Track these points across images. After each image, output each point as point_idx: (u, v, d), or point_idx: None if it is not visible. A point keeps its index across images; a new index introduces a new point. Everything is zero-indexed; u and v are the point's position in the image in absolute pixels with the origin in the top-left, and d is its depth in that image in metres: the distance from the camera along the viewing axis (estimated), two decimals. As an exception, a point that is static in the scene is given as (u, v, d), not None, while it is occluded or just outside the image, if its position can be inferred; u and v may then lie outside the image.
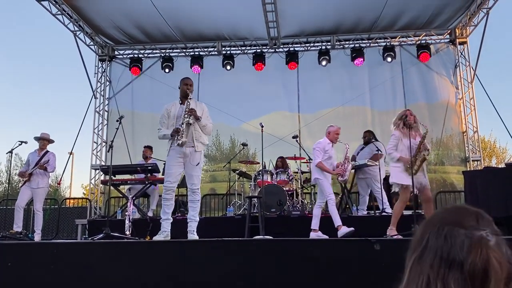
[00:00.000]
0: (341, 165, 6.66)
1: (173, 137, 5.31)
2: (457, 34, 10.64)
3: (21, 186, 7.61)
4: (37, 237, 7.45)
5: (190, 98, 5.48)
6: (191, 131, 5.40)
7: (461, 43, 10.70)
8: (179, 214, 8.25)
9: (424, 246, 0.93)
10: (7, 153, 7.80)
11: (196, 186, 5.44)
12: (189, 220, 5.42)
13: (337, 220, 6.20)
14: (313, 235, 6.26)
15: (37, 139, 7.76)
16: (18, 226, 7.28)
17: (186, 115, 5.34)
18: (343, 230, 6.08)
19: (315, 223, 6.38)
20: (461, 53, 10.70)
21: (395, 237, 5.35)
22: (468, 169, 9.93)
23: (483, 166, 10.16)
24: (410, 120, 5.65)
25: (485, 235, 0.88)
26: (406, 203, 5.75)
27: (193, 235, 5.33)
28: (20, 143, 7.59)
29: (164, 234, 5.33)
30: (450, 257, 0.88)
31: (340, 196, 8.73)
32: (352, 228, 6.05)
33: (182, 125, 5.31)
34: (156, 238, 5.32)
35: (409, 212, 6.61)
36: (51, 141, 7.87)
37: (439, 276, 0.87)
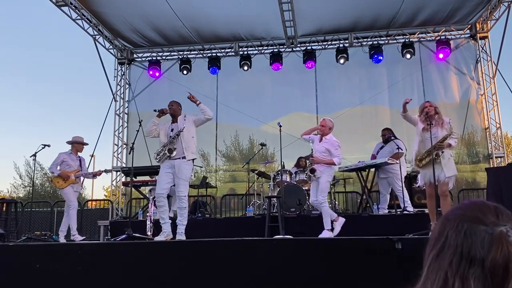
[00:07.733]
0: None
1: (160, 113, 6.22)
2: (477, 29, 10.44)
3: (64, 188, 7.41)
4: (63, 238, 7.49)
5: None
6: (180, 141, 5.94)
7: (482, 38, 10.50)
8: (199, 215, 8.32)
9: (442, 243, 0.93)
10: (30, 157, 7.85)
11: (184, 194, 5.87)
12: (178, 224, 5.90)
13: None
14: None
15: (79, 143, 7.73)
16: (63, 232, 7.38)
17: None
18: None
19: None
20: (482, 48, 10.50)
21: None
22: (491, 166, 9.75)
23: (506, 163, 9.96)
24: (429, 111, 5.40)
25: (505, 231, 0.88)
26: (433, 197, 5.57)
27: (181, 236, 5.78)
28: (43, 146, 7.65)
29: (164, 234, 5.81)
30: (470, 254, 0.88)
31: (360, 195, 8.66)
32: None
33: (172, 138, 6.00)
34: (157, 238, 5.77)
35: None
36: (86, 144, 8.00)
37: (458, 273, 0.87)
